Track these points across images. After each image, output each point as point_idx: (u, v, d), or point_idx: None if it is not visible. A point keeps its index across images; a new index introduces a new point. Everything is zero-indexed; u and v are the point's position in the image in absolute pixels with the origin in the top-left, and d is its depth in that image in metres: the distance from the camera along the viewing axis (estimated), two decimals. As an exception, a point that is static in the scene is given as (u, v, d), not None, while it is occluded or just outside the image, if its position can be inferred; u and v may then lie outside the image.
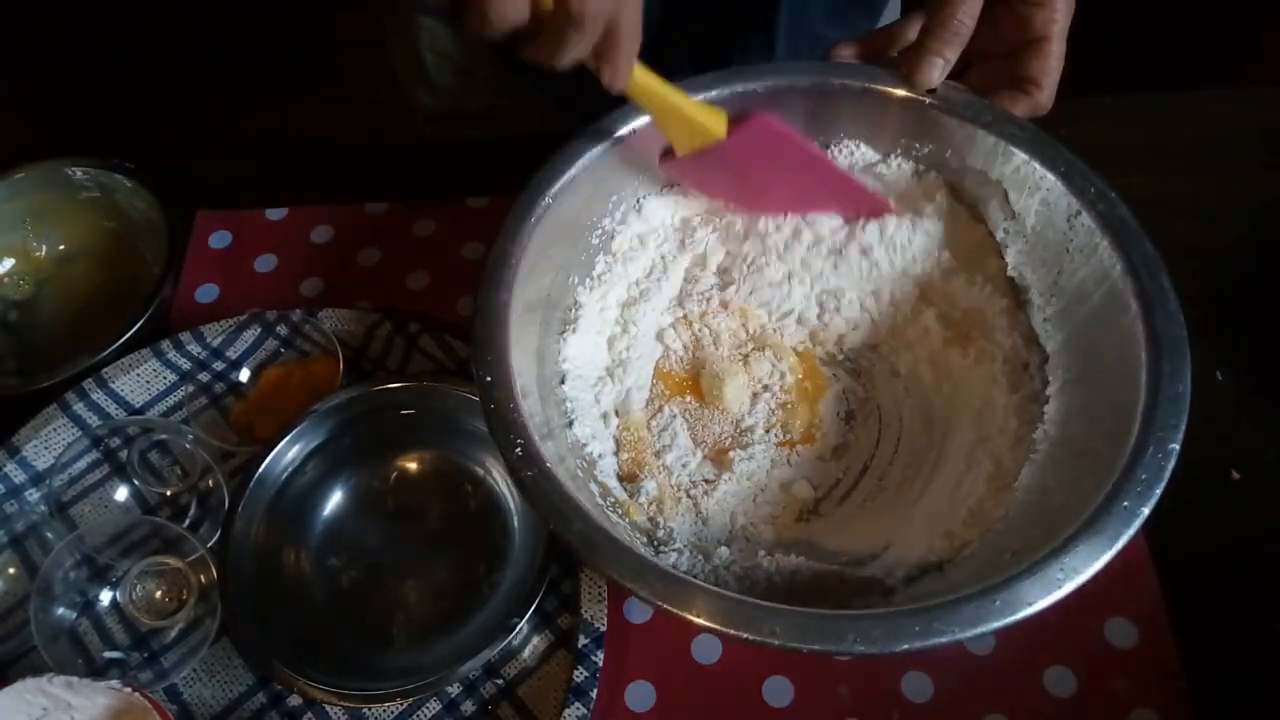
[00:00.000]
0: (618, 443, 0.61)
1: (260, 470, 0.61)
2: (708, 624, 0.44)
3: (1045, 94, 0.59)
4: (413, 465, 0.65)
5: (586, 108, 0.59)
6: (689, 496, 0.59)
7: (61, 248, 0.77)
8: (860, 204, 0.62)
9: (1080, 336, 0.56)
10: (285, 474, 0.62)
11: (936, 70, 0.58)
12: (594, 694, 0.55)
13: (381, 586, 0.61)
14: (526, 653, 0.58)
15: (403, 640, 0.59)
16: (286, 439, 0.61)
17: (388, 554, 0.62)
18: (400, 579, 0.61)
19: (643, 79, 0.54)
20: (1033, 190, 0.58)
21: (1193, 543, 0.60)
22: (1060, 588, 0.44)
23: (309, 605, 0.60)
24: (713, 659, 0.57)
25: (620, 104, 0.59)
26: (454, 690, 0.57)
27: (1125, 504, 0.46)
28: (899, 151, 0.63)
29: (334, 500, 0.63)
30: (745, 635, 0.44)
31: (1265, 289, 0.70)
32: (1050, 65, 0.58)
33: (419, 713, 0.56)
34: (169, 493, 0.65)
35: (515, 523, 0.62)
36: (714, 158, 0.58)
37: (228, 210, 0.79)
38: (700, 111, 0.56)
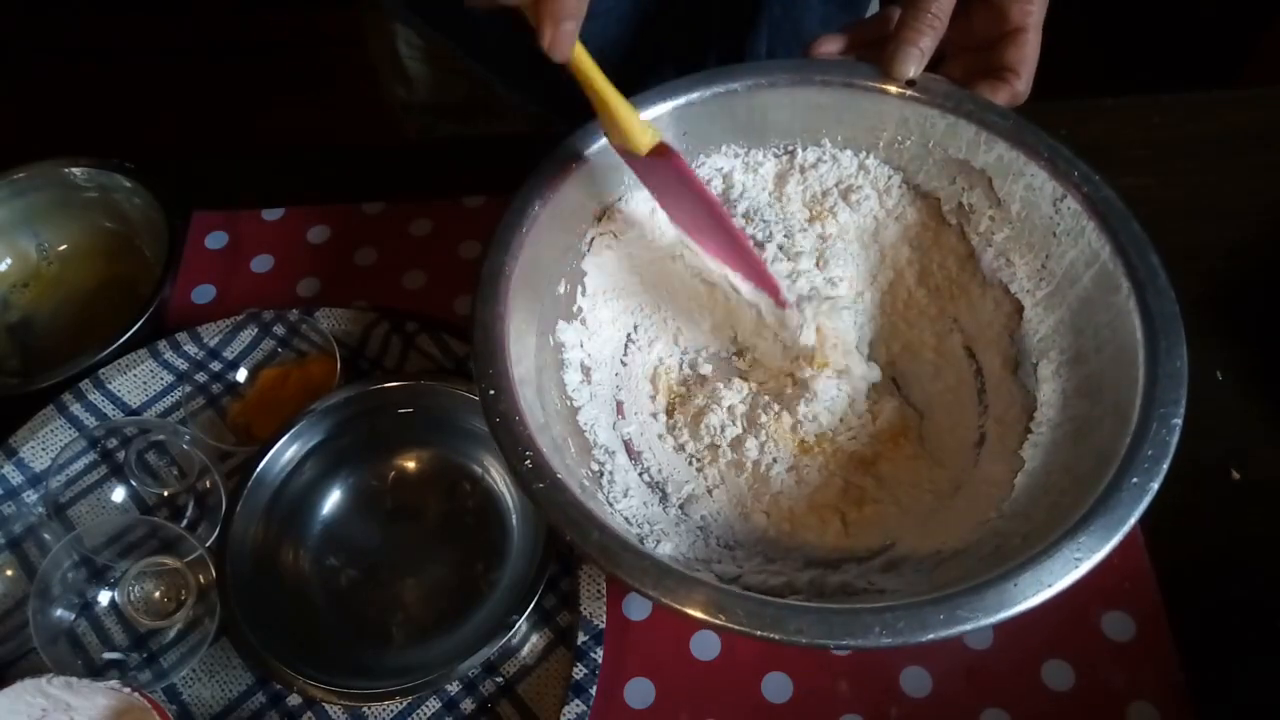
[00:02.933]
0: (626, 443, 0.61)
1: (258, 470, 0.61)
2: (735, 627, 0.44)
3: (1023, 82, 0.59)
4: (411, 464, 0.65)
5: (559, 107, 0.58)
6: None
7: (62, 248, 0.77)
8: (760, 280, 0.61)
9: (1073, 318, 0.57)
10: (283, 474, 0.62)
11: (913, 61, 0.59)
12: (593, 691, 0.55)
13: (380, 585, 0.61)
14: (525, 650, 0.58)
15: (402, 639, 0.59)
16: (284, 439, 0.61)
17: (386, 553, 0.62)
18: (399, 578, 0.61)
19: (580, 60, 0.51)
20: (1016, 176, 0.58)
21: (1192, 541, 0.60)
22: (1078, 567, 0.44)
23: (308, 604, 0.60)
24: (712, 655, 0.57)
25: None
26: (453, 688, 0.57)
27: (1134, 480, 0.46)
28: (880, 149, 0.63)
29: (332, 500, 0.63)
30: (773, 636, 0.44)
31: (1265, 289, 0.70)
32: (1027, 54, 0.59)
33: (418, 711, 0.56)
34: (166, 493, 0.65)
35: (514, 521, 0.62)
36: (648, 173, 0.57)
37: (224, 211, 0.79)
38: (629, 117, 0.54)
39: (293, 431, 0.62)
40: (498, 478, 0.63)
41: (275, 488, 0.62)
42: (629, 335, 0.65)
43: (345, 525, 0.63)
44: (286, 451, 0.62)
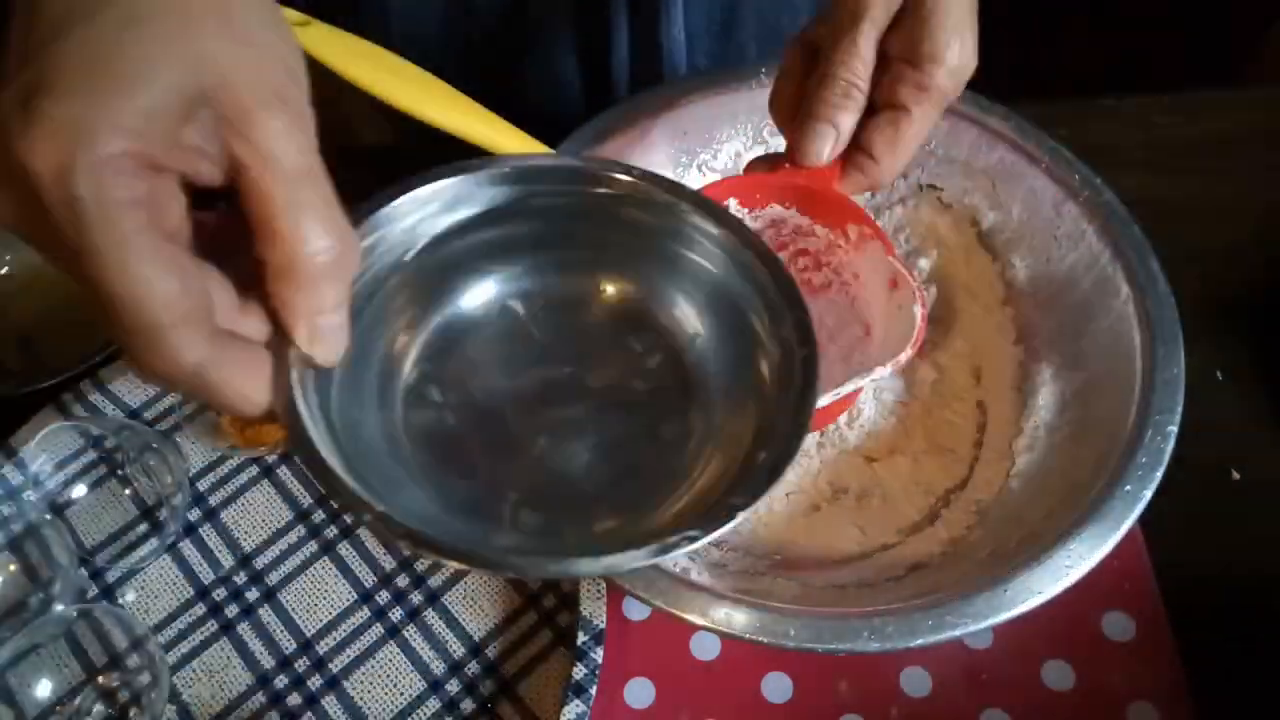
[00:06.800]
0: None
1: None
2: (725, 630, 0.45)
3: (883, 171, 0.48)
4: (590, 293, 0.46)
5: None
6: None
7: (61, 248, 0.77)
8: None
9: (1072, 322, 0.57)
10: (442, 232, 0.44)
11: (827, 140, 0.47)
12: (593, 691, 0.55)
13: (495, 447, 0.43)
14: (526, 650, 0.58)
15: (520, 519, 0.41)
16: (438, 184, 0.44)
17: (516, 403, 0.44)
18: (525, 442, 0.43)
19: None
20: (1018, 180, 0.58)
21: (1192, 541, 0.60)
22: (1068, 575, 0.44)
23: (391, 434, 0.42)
24: (712, 655, 0.57)
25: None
26: (453, 689, 0.57)
27: (1127, 488, 0.46)
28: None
29: (474, 296, 0.45)
30: (763, 640, 0.44)
31: (1265, 290, 0.70)
32: (900, 140, 0.47)
33: (418, 711, 0.56)
34: (166, 493, 0.65)
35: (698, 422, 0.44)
36: None
37: (223, 210, 0.79)
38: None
39: (461, 178, 0.44)
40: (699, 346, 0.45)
41: (416, 249, 0.44)
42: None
43: (471, 346, 0.45)
44: (453, 210, 0.44)
